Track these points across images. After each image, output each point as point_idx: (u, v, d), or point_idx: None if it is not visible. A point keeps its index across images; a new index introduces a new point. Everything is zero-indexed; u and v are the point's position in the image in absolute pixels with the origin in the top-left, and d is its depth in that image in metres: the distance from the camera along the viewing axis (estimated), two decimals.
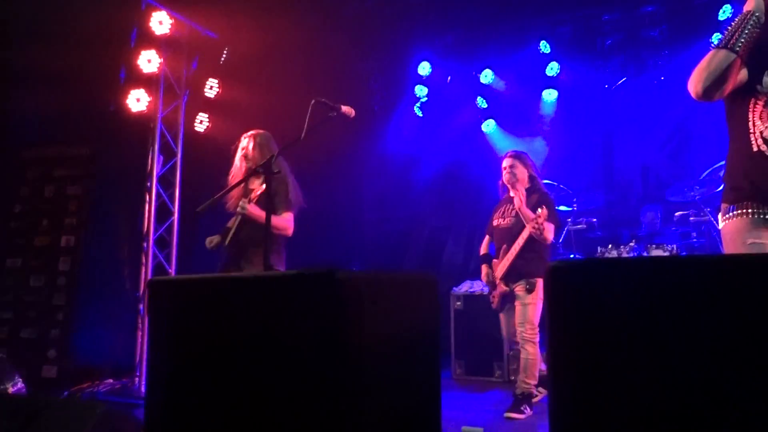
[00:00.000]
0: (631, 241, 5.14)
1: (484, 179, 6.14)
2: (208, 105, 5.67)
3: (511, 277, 4.07)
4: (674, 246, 4.97)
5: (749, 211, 2.22)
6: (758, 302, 0.80)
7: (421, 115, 7.20)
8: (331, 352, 1.08)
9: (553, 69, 6.55)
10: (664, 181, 6.31)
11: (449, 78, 7.10)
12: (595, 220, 5.67)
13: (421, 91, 7.13)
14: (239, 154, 3.59)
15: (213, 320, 1.33)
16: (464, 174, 7.08)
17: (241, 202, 3.25)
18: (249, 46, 5.62)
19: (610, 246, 5.18)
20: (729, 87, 2.15)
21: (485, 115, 7.03)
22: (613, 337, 0.87)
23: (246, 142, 3.59)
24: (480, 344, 5.23)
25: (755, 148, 2.21)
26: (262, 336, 1.20)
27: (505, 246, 4.10)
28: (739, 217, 2.24)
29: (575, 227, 5.62)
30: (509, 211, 4.18)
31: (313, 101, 2.93)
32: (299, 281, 1.14)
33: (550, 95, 6.71)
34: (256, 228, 3.25)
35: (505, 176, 4.22)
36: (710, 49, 2.13)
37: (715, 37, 5.77)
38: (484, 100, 6.98)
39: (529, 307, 3.94)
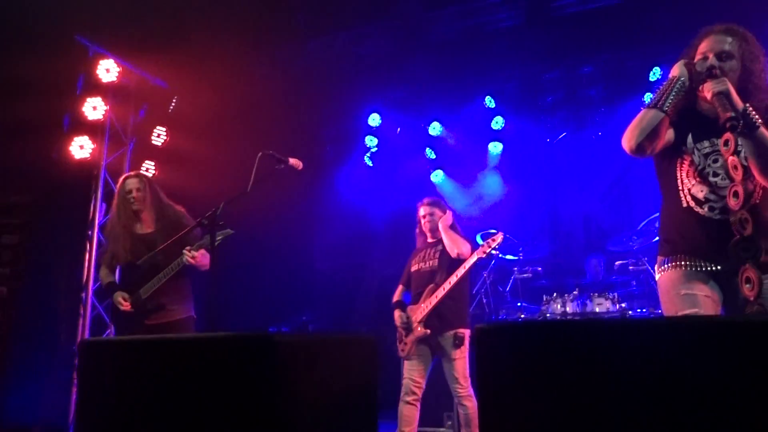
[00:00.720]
0: (574, 290, 5.27)
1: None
2: (155, 153, 5.61)
3: (432, 321, 3.85)
4: (615, 294, 5.11)
5: (683, 263, 2.32)
6: (649, 363, 0.85)
7: (371, 165, 7.31)
8: (262, 418, 1.06)
9: (498, 123, 6.81)
10: (605, 231, 6.55)
11: (399, 129, 7.26)
12: (540, 269, 5.80)
13: (371, 141, 7.26)
14: (127, 197, 3.51)
15: (145, 382, 1.29)
16: (414, 223, 7.17)
17: (186, 252, 3.20)
18: (199, 95, 5.64)
19: (554, 294, 5.29)
20: (659, 144, 2.29)
21: (434, 165, 7.19)
22: (536, 394, 0.89)
23: (135, 184, 3.54)
24: (429, 394, 5.18)
25: (684, 204, 2.34)
26: (195, 398, 1.17)
27: (429, 287, 3.91)
28: (673, 269, 2.34)
29: (521, 276, 5.72)
30: (431, 255, 4.11)
31: (260, 154, 2.94)
32: (235, 344, 1.13)
33: (495, 147, 6.94)
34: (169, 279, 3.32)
35: (426, 225, 4.21)
36: (642, 109, 2.28)
37: (647, 96, 6.14)
38: (433, 151, 7.16)
39: (458, 363, 3.80)
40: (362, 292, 7.58)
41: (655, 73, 6.09)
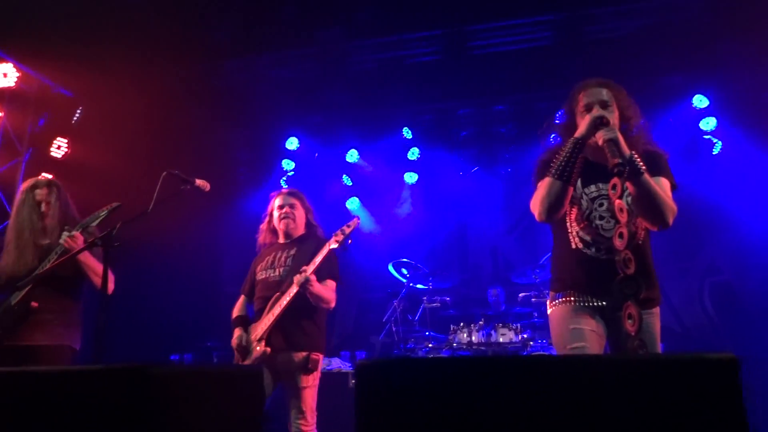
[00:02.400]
0: (480, 320, 5.40)
1: (350, 255, 6.23)
2: (54, 165, 5.29)
3: (276, 338, 3.19)
4: (518, 325, 5.29)
5: (572, 299, 2.46)
6: (524, 399, 0.89)
7: (287, 188, 7.22)
8: None
9: (414, 154, 6.95)
10: (511, 263, 6.81)
11: (316, 154, 7.25)
12: (448, 299, 5.92)
13: (288, 165, 7.20)
14: (30, 202, 3.17)
15: (11, 419, 1.18)
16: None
17: (65, 233, 2.95)
18: (106, 107, 5.40)
19: (461, 324, 5.40)
20: (565, 209, 2.44)
21: (350, 192, 7.22)
22: (414, 428, 0.90)
23: (43, 193, 3.20)
24: (334, 423, 5.11)
25: (573, 246, 2.49)
26: None
27: (275, 296, 3.24)
28: (563, 305, 2.47)
29: (430, 305, 5.82)
30: (282, 260, 3.39)
31: (164, 173, 2.85)
32: (107, 377, 1.06)
33: (411, 177, 7.07)
34: (50, 295, 3.01)
35: (281, 221, 3.48)
36: (547, 177, 2.41)
37: (553, 138, 6.49)
38: (349, 178, 7.19)
39: (307, 392, 3.21)
40: None
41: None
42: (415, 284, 5.93)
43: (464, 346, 5.24)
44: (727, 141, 6.13)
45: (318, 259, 3.22)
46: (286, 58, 6.71)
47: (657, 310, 2.48)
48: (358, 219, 3.47)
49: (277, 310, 3.17)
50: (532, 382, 0.92)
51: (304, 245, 3.42)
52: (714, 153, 6.14)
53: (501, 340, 5.22)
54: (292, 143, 7.10)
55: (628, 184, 2.31)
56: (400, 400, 0.92)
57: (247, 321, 3.43)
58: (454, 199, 7.13)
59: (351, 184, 7.21)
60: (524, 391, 0.91)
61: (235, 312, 3.54)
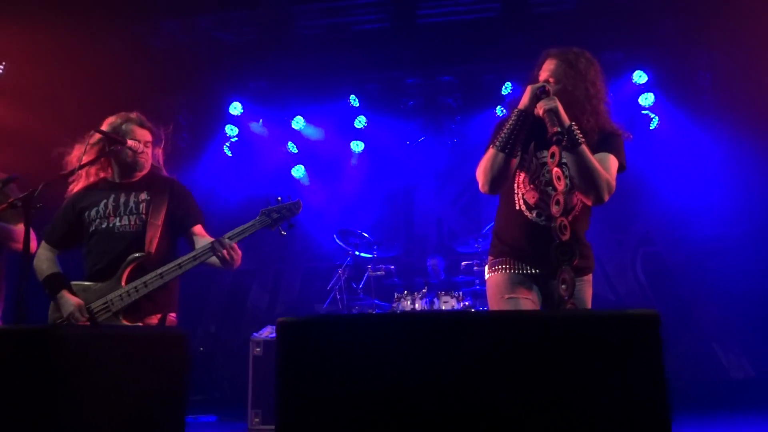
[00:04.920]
0: (423, 288, 5.47)
1: (295, 224, 6.16)
2: None
3: (140, 308, 2.69)
4: (460, 293, 5.39)
5: (507, 267, 2.49)
6: (440, 356, 0.89)
7: (230, 154, 7.06)
8: (43, 417, 0.94)
9: (360, 122, 6.89)
10: (455, 233, 6.90)
11: (261, 120, 7.08)
12: (393, 267, 5.96)
13: (231, 130, 7.01)
14: None
15: None
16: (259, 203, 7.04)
17: None
18: (34, 65, 5.06)
19: (405, 292, 5.46)
20: (508, 180, 2.47)
21: (296, 160, 7.11)
22: (336, 387, 0.89)
23: None
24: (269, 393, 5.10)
25: (517, 207, 2.52)
26: None
27: (135, 257, 2.69)
28: (499, 272, 2.51)
29: (375, 274, 5.84)
30: (133, 205, 2.81)
31: (92, 132, 2.69)
32: (13, 338, 0.99)
33: (357, 146, 7.02)
34: None
35: (141, 155, 2.85)
36: (490, 148, 2.41)
37: (499, 110, 6.56)
38: (295, 146, 7.07)
39: None
40: (213, 287, 7.30)
41: (507, 88, 6.51)
42: (360, 253, 5.93)
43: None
44: (663, 116, 6.34)
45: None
46: (228, 19, 6.47)
47: (589, 277, 2.54)
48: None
49: (156, 281, 2.69)
50: (452, 339, 0.92)
51: (155, 189, 2.94)
52: (651, 128, 6.34)
53: (443, 307, 5.31)
54: (236, 108, 6.90)
55: (566, 154, 2.33)
56: (322, 359, 0.90)
57: (65, 279, 2.80)
58: (400, 169, 7.13)
59: (297, 151, 7.09)
60: (445, 347, 0.91)
61: (47, 268, 2.84)
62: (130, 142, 2.81)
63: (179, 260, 2.70)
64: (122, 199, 2.83)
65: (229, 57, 6.61)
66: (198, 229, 2.94)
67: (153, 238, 2.76)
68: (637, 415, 0.90)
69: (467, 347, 0.88)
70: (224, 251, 2.69)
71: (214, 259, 2.76)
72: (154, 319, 2.73)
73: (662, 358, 0.91)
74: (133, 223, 2.78)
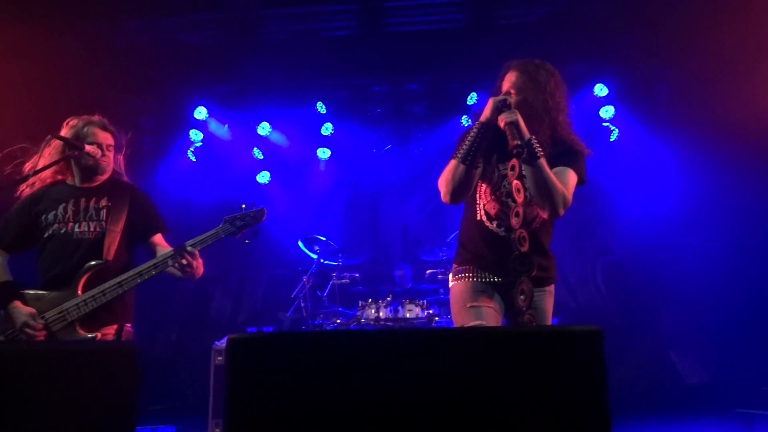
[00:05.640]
0: (388, 296, 5.48)
1: (260, 230, 6.10)
2: None
3: (101, 315, 2.62)
4: (425, 301, 5.42)
5: (469, 275, 2.52)
6: (396, 372, 0.90)
7: (194, 159, 6.95)
8: None
9: (327, 129, 6.87)
10: (421, 241, 6.94)
11: (227, 126, 7.01)
12: (358, 275, 5.95)
13: (196, 135, 6.91)
14: None
15: None
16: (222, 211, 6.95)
17: None
18: None
19: (370, 300, 5.46)
20: (470, 191, 2.50)
21: (261, 166, 7.05)
22: (286, 405, 0.88)
23: None
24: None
25: (478, 218, 2.56)
26: None
27: (93, 265, 2.62)
28: (462, 280, 2.54)
29: (340, 281, 5.83)
30: (92, 211, 2.74)
31: (48, 137, 2.63)
32: None
33: (324, 153, 7.00)
34: None
35: (103, 158, 2.80)
36: (451, 160, 2.44)
37: (465, 119, 6.64)
38: (261, 152, 7.01)
39: None
40: (176, 294, 7.17)
41: (473, 98, 6.59)
42: (326, 260, 5.92)
43: (372, 322, 5.30)
44: (623, 129, 6.51)
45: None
46: (194, 22, 6.38)
47: (551, 288, 2.58)
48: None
49: (116, 290, 2.63)
50: (399, 355, 0.93)
51: (115, 196, 2.89)
52: (611, 140, 6.50)
53: (408, 315, 5.32)
54: (201, 113, 6.81)
55: (525, 167, 2.37)
56: (273, 376, 0.90)
57: (15, 288, 2.69)
58: (366, 176, 7.15)
59: (262, 157, 7.03)
60: (393, 363, 0.91)
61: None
62: (88, 148, 2.75)
63: (139, 269, 2.65)
64: (82, 204, 2.77)
65: (195, 60, 6.52)
66: (158, 238, 2.90)
67: (111, 246, 2.71)
68: (579, 427, 0.92)
69: (414, 364, 0.89)
70: (184, 260, 2.66)
71: (174, 269, 2.72)
72: (111, 330, 2.67)
73: (605, 373, 0.93)
74: (92, 229, 2.72)
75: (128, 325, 2.76)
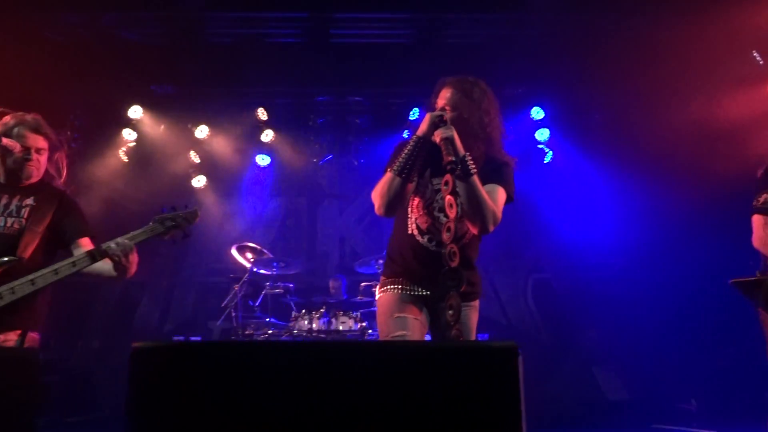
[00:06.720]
0: (322, 308, 5.43)
1: (191, 236, 5.92)
2: None
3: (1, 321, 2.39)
4: (358, 314, 5.40)
5: (398, 287, 2.53)
6: (295, 382, 0.88)
7: (126, 160, 6.70)
8: None
9: (267, 136, 6.78)
10: (357, 253, 6.93)
11: (162, 126, 6.80)
12: (292, 285, 5.87)
13: (129, 135, 6.66)
14: None
15: None
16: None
17: None
18: None
19: (303, 311, 5.39)
20: (404, 204, 2.52)
21: (197, 170, 6.87)
22: (190, 415, 0.85)
23: None
24: None
25: (409, 231, 2.57)
26: None
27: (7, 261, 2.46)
28: (391, 292, 2.54)
29: (272, 291, 5.73)
30: (14, 208, 2.63)
31: None
32: None
33: (263, 160, 6.90)
34: None
35: (29, 163, 2.66)
36: (388, 171, 2.44)
37: (406, 134, 6.71)
38: (197, 155, 6.84)
39: None
40: (100, 299, 6.85)
41: (415, 113, 6.68)
42: (259, 270, 5.80)
43: (304, 333, 5.23)
44: (557, 151, 6.75)
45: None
46: (134, 19, 6.18)
47: (476, 303, 2.61)
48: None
49: (25, 288, 2.46)
50: (311, 367, 0.91)
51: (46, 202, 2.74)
52: (545, 162, 6.72)
53: (341, 327, 5.29)
54: (136, 111, 6.58)
55: (459, 183, 2.40)
56: (176, 387, 0.86)
57: None
58: (305, 186, 7.10)
59: (199, 161, 6.86)
60: (304, 375, 0.89)
61: None
62: (5, 141, 2.59)
63: (55, 266, 2.48)
64: (4, 201, 2.61)
65: (133, 57, 6.29)
66: (85, 241, 2.74)
67: (29, 245, 2.55)
68: None
69: (329, 376, 0.88)
70: (115, 254, 2.50)
71: (103, 267, 2.58)
72: (12, 336, 2.46)
73: (519, 386, 0.95)
74: (9, 225, 2.56)
75: (34, 333, 2.55)
